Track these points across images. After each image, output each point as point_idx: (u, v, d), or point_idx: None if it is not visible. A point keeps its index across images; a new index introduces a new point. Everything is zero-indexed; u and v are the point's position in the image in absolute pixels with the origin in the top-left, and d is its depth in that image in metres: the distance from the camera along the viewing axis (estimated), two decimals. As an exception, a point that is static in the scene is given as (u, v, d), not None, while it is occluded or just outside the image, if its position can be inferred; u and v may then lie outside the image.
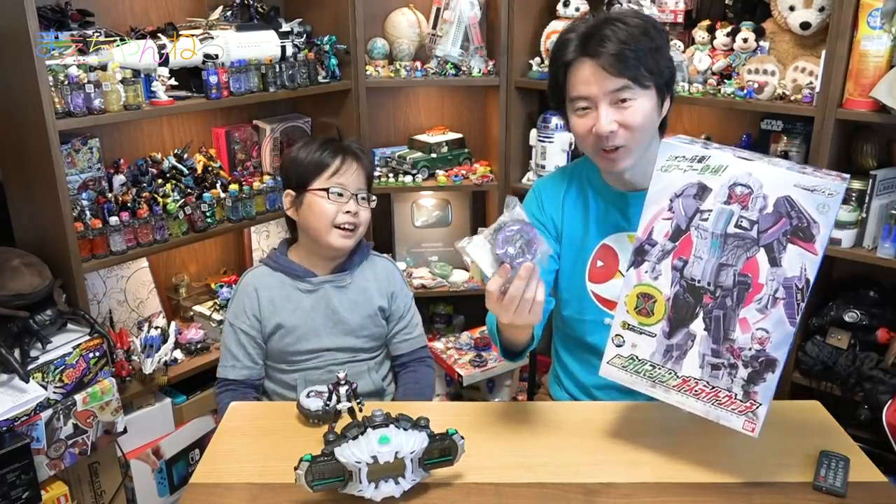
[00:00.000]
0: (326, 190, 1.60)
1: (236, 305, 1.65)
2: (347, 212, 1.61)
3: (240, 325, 1.63)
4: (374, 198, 1.69)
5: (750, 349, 1.08)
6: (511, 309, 1.08)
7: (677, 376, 1.14)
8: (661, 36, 1.34)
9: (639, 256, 1.13)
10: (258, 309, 1.63)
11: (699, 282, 1.09)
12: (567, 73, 1.34)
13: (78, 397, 1.78)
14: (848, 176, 1.06)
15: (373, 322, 1.69)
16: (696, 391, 1.13)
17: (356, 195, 1.63)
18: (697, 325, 1.11)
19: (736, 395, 1.11)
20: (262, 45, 2.28)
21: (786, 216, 1.03)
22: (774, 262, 1.04)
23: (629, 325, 1.15)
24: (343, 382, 1.30)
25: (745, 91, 2.08)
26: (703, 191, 1.07)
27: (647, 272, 1.12)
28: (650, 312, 1.13)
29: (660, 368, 1.15)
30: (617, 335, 1.17)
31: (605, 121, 1.30)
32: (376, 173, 2.71)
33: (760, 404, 1.10)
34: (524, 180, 2.67)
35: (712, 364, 1.11)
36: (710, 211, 1.07)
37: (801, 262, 1.03)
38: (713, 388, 1.12)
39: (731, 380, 1.10)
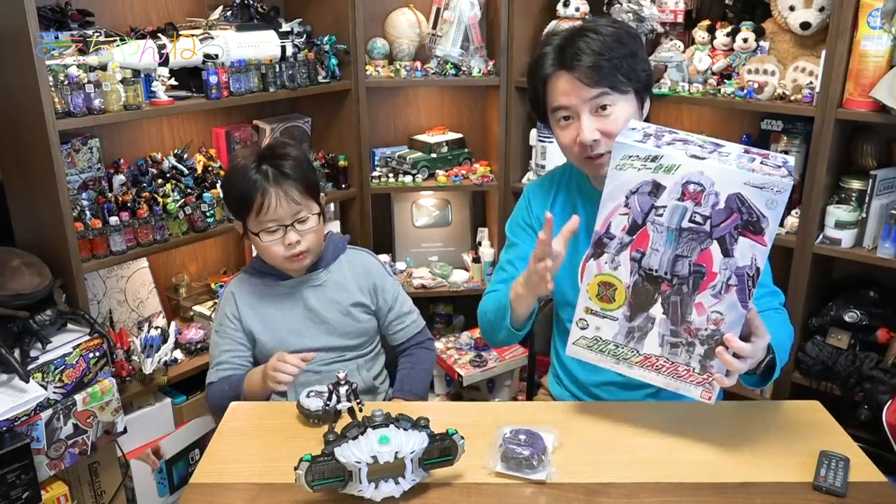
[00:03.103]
0: (258, 233, 1.55)
1: (219, 314, 1.66)
2: (289, 244, 1.55)
3: (224, 331, 1.63)
4: (315, 212, 1.57)
5: (706, 329, 1.15)
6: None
7: (639, 354, 1.22)
8: (636, 41, 1.39)
9: (598, 248, 1.19)
10: (238, 312, 1.63)
11: (657, 271, 1.16)
12: (546, 87, 1.38)
13: (78, 397, 1.78)
14: (791, 163, 1.12)
15: (353, 318, 1.66)
16: (656, 366, 1.21)
17: (293, 223, 1.55)
18: (656, 310, 1.18)
19: (694, 368, 1.19)
20: (262, 45, 2.28)
21: (737, 211, 1.09)
22: (727, 253, 1.11)
23: (592, 310, 1.22)
24: (343, 382, 1.30)
25: (745, 91, 2.08)
26: (657, 188, 1.12)
27: (606, 263, 1.19)
28: (611, 299, 1.20)
29: (623, 347, 1.22)
30: (581, 319, 1.24)
31: (588, 130, 1.34)
32: (376, 173, 2.71)
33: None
34: (524, 180, 2.67)
35: (671, 343, 1.19)
36: (665, 207, 1.13)
37: (751, 253, 1.10)
38: (672, 363, 1.20)
39: (689, 356, 1.18)
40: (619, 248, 1.17)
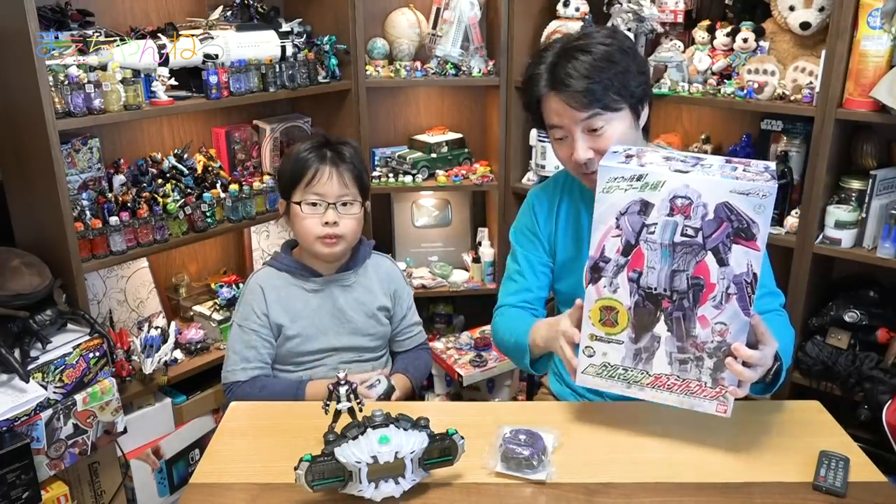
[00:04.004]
0: (300, 203, 1.58)
1: (244, 307, 1.65)
2: (326, 223, 1.57)
3: (249, 326, 1.63)
4: (359, 201, 1.63)
5: (712, 341, 1.16)
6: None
7: (649, 375, 1.21)
8: (628, 57, 1.34)
9: (595, 273, 1.19)
10: (266, 307, 1.63)
11: (656, 289, 1.16)
12: (540, 105, 1.40)
13: (78, 397, 1.78)
14: (773, 168, 1.13)
15: (377, 321, 1.70)
16: (668, 385, 1.21)
17: (335, 203, 1.59)
18: (661, 328, 1.18)
19: (706, 383, 1.19)
20: (262, 45, 2.28)
21: (726, 220, 1.10)
22: (722, 262, 1.12)
23: (596, 336, 1.22)
24: (343, 382, 1.30)
25: (745, 91, 2.08)
26: (645, 206, 1.13)
27: (605, 287, 1.19)
28: (614, 322, 1.20)
29: (632, 370, 1.22)
30: (587, 347, 1.23)
31: (581, 150, 1.35)
32: (376, 173, 2.71)
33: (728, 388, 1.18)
34: (524, 180, 2.67)
35: (680, 359, 1.19)
36: (656, 224, 1.13)
37: (746, 259, 1.11)
38: (684, 380, 1.20)
39: (699, 371, 1.18)
40: (615, 271, 1.17)
